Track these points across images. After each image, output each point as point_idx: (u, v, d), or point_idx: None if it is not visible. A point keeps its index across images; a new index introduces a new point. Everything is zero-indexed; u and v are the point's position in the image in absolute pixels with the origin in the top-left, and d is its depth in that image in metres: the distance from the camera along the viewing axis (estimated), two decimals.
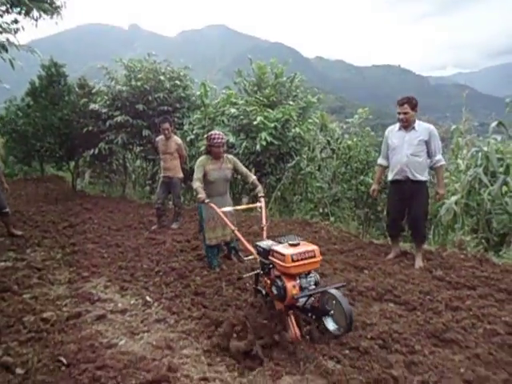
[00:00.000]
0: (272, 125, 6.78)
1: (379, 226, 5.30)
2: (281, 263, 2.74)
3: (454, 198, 5.51)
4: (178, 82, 8.93)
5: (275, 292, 2.82)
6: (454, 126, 6.43)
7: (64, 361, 2.58)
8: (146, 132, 8.49)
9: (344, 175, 5.26)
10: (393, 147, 4.29)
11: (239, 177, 6.36)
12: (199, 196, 3.90)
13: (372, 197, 4.33)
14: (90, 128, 8.66)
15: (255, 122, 6.70)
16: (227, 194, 4.45)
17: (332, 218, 5.78)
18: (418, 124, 4.13)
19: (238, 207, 3.90)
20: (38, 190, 10.39)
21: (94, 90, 9.09)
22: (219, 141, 4.16)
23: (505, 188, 5.50)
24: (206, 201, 3.81)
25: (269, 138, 6.67)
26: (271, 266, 2.91)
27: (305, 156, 7.35)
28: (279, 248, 2.82)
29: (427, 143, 4.09)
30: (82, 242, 5.49)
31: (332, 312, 2.69)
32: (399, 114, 4.13)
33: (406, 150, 4.15)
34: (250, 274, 3.39)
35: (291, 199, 7.78)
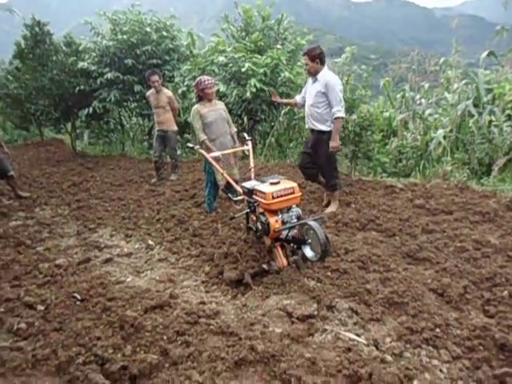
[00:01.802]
0: (261, 71, 6.75)
1: (368, 164, 5.49)
2: (263, 200, 2.98)
3: (441, 132, 5.62)
4: (164, 33, 8.72)
5: (260, 227, 3.10)
6: (442, 59, 6.36)
7: (78, 297, 2.92)
8: (137, 87, 8.46)
9: None
10: (304, 96, 4.33)
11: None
12: (201, 140, 4.30)
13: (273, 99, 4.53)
14: (82, 87, 8.63)
15: (243, 69, 6.67)
16: (228, 135, 4.58)
17: None
18: (322, 75, 3.99)
19: (225, 152, 4.08)
20: (39, 153, 10.55)
21: (81, 48, 8.94)
22: (210, 82, 4.35)
23: (490, 118, 5.57)
24: (196, 147, 4.08)
25: (258, 85, 6.67)
26: (256, 203, 3.16)
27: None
28: (261, 187, 3.05)
29: (326, 95, 3.97)
30: (86, 199, 5.77)
31: (310, 241, 2.96)
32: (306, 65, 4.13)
33: (308, 100, 4.17)
34: (241, 213, 3.64)
35: (287, 145, 7.91)
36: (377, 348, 2.18)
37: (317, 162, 4.27)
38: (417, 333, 2.24)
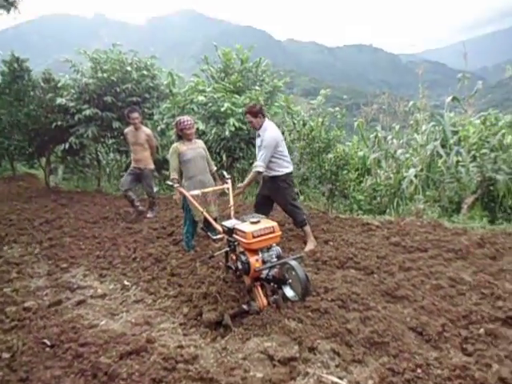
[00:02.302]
0: (240, 110, 6.95)
1: (344, 202, 5.62)
2: (243, 240, 2.96)
3: (412, 171, 5.86)
4: (145, 72, 8.91)
5: (240, 266, 3.07)
6: (411, 103, 6.75)
7: (48, 342, 2.76)
8: (116, 124, 8.50)
9: (308, 155, 5.53)
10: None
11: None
12: (171, 178, 4.30)
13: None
14: (59, 123, 8.58)
15: (223, 109, 6.86)
16: (207, 173, 4.60)
17: (302, 197, 6.06)
18: (262, 130, 4.24)
19: (205, 190, 4.06)
20: (10, 189, 10.23)
21: (59, 84, 8.97)
22: (189, 123, 4.40)
23: (457, 158, 5.88)
24: (175, 185, 4.07)
25: (237, 124, 6.85)
26: (236, 243, 3.15)
27: None
28: (241, 226, 3.04)
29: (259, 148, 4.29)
30: (59, 236, 5.58)
31: (290, 280, 2.91)
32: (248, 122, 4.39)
33: (257, 151, 4.40)
34: (220, 252, 3.61)
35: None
36: None
37: (279, 205, 4.51)
38: (398, 374, 2.23)
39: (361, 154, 7.56)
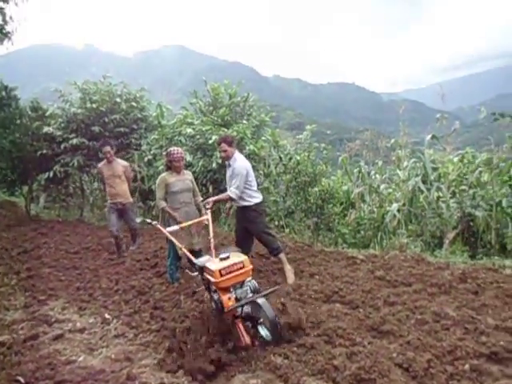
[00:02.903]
0: None
1: (329, 235, 5.68)
2: (212, 279, 2.90)
3: (395, 206, 6.00)
4: (134, 104, 9.06)
5: (214, 306, 3.00)
6: (393, 140, 7.01)
7: (22, 380, 2.64)
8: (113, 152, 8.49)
9: (294, 188, 5.63)
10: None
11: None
12: (174, 215, 4.26)
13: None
14: (44, 151, 8.55)
15: (210, 141, 6.96)
16: (193, 204, 4.60)
17: (287, 230, 6.10)
18: (233, 161, 4.33)
19: (184, 224, 3.91)
20: None
21: (47, 113, 9.00)
22: (179, 155, 4.43)
23: (438, 194, 6.06)
24: (153, 223, 3.95)
25: None
26: (208, 280, 3.05)
27: (261, 172, 7.67)
28: (209, 264, 2.97)
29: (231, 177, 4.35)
30: (37, 267, 5.42)
31: (261, 320, 2.82)
32: (220, 152, 4.47)
33: (228, 184, 4.45)
34: (202, 288, 3.51)
35: None
36: None
37: (252, 234, 4.49)
38: None
39: (345, 188, 7.72)
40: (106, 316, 3.76)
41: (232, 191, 4.24)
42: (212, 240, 3.68)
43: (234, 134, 7.18)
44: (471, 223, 5.62)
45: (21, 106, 9.29)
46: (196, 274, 3.48)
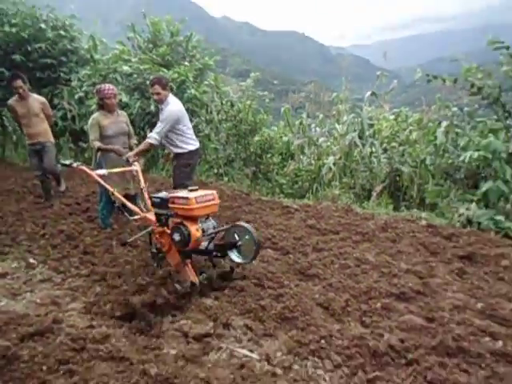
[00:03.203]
0: None
1: (267, 185, 5.80)
2: (185, 207, 2.80)
3: (331, 159, 6.23)
4: (62, 33, 8.11)
5: (177, 239, 2.85)
6: (335, 94, 7.10)
7: None
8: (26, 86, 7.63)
9: (235, 136, 5.57)
10: None
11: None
12: (116, 149, 4.05)
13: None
14: None
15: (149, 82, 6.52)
16: (127, 149, 4.33)
17: (226, 178, 6.11)
18: (166, 104, 4.12)
19: (113, 170, 3.61)
20: None
21: None
22: (110, 91, 4.13)
23: (371, 149, 6.38)
24: (74, 164, 3.55)
25: None
26: (168, 215, 2.96)
27: (202, 118, 7.44)
28: (181, 193, 2.88)
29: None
30: None
31: (240, 243, 2.89)
32: (152, 94, 4.21)
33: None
34: (141, 234, 3.46)
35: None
36: (268, 362, 2.28)
37: (172, 179, 4.43)
38: (305, 345, 2.40)
39: (285, 139, 7.80)
40: (31, 261, 3.58)
41: (151, 137, 4.04)
42: (145, 189, 3.54)
43: (175, 76, 6.80)
44: (398, 178, 6.05)
45: None
46: (136, 217, 3.35)
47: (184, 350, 2.33)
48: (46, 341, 2.36)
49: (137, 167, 3.75)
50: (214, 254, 2.98)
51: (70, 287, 3.14)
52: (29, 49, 7.66)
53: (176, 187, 4.04)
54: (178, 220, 2.90)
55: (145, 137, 7.42)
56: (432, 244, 4.01)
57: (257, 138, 5.01)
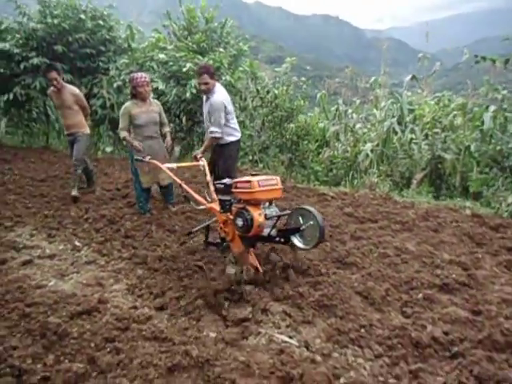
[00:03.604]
0: None
1: (302, 172, 5.73)
2: (247, 190, 2.76)
3: (369, 146, 6.05)
4: (101, 22, 8.29)
5: (240, 224, 2.76)
6: (373, 79, 6.87)
7: None
8: (68, 76, 7.90)
9: (270, 123, 5.51)
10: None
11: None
12: (134, 146, 4.04)
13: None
14: (2, 70, 7.84)
15: (185, 69, 6.58)
16: (159, 138, 4.39)
17: (261, 165, 6.09)
18: (212, 93, 3.99)
19: (181, 165, 3.60)
20: None
21: (2, 27, 8.11)
22: (142, 80, 4.11)
23: (411, 136, 6.14)
24: (147, 158, 3.66)
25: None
26: (232, 201, 2.95)
27: (237, 105, 7.42)
28: (244, 178, 2.86)
29: (209, 114, 4.06)
30: (2, 193, 5.23)
31: (303, 227, 2.76)
32: (199, 84, 4.05)
33: (205, 118, 4.22)
34: (200, 226, 3.41)
35: None
36: (307, 349, 2.27)
37: (215, 172, 4.22)
38: (344, 333, 2.38)
39: (321, 125, 7.66)
40: (77, 243, 3.75)
41: (213, 131, 3.97)
42: (210, 181, 3.45)
43: (211, 62, 6.80)
44: (439, 165, 5.80)
45: None
46: (201, 207, 3.27)
47: (223, 334, 2.37)
48: (93, 319, 2.47)
49: (204, 162, 3.69)
50: (277, 240, 2.87)
51: (113, 269, 3.27)
52: (69, 39, 7.89)
53: (220, 179, 3.65)
54: (241, 205, 2.85)
55: (180, 124, 7.55)
56: (477, 234, 3.83)
57: (293, 125, 4.94)
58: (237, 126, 4.26)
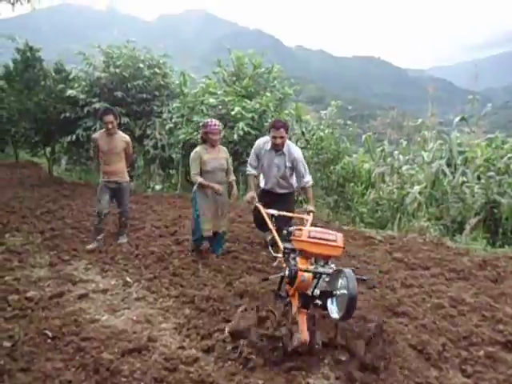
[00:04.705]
0: (249, 115, 7.00)
1: (347, 214, 5.66)
2: (297, 238, 2.65)
3: (417, 188, 5.90)
4: (157, 70, 8.98)
5: (287, 273, 2.60)
6: (420, 120, 6.81)
7: (49, 334, 2.77)
8: (124, 119, 8.53)
9: (316, 165, 5.57)
10: (263, 165, 4.36)
11: None
12: (214, 188, 4.08)
13: (249, 203, 4.15)
14: (68, 114, 8.62)
15: (233, 112, 6.90)
16: (224, 184, 4.36)
17: (305, 205, 6.08)
18: (286, 149, 4.14)
19: (283, 213, 3.68)
20: (12, 175, 10.25)
21: (70, 76, 9.02)
22: (216, 127, 4.15)
23: (463, 178, 5.93)
24: (257, 203, 3.88)
25: (246, 128, 6.89)
26: (290, 250, 2.82)
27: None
28: (301, 227, 2.78)
29: (292, 168, 4.24)
30: (61, 228, 5.57)
31: (336, 292, 2.39)
32: (275, 138, 4.06)
33: (275, 172, 4.26)
34: (277, 275, 3.14)
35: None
36: None
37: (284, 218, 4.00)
38: None
39: (366, 167, 7.61)
40: (128, 279, 3.88)
41: (309, 181, 4.25)
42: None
43: (257, 106, 7.09)
44: (495, 210, 5.51)
45: (45, 67, 9.32)
46: (279, 255, 3.09)
47: (270, 381, 2.31)
48: (143, 358, 2.52)
49: (310, 217, 3.73)
50: (315, 302, 2.52)
51: (161, 307, 3.33)
52: (128, 86, 8.59)
53: (285, 224, 3.61)
54: (294, 255, 2.74)
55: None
56: None
57: (338, 167, 4.97)
58: None
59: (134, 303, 3.43)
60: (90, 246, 4.77)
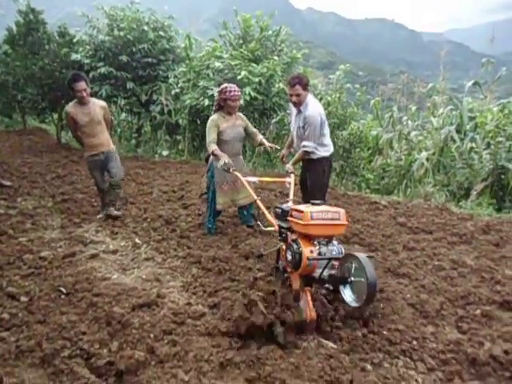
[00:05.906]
0: (256, 80, 6.88)
1: (353, 180, 5.67)
2: (299, 221, 2.44)
3: (424, 154, 5.85)
4: (162, 33, 8.78)
5: (289, 258, 2.51)
6: (430, 85, 6.64)
7: (63, 290, 2.91)
8: (130, 84, 8.46)
9: None
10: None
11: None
12: (225, 163, 3.53)
13: (282, 162, 3.97)
14: None
15: (239, 77, 6.79)
16: (241, 155, 4.18)
17: None
18: (304, 107, 3.69)
19: (264, 179, 3.55)
20: (21, 142, 10.33)
21: (75, 39, 8.86)
22: (236, 93, 3.77)
23: (472, 145, 5.85)
24: (232, 169, 3.53)
25: (253, 93, 6.80)
26: (288, 229, 2.68)
27: (289, 111, 7.50)
28: (299, 206, 2.56)
29: (304, 128, 3.76)
30: (71, 192, 5.70)
31: (351, 279, 2.22)
32: (291, 95, 3.69)
33: (295, 132, 3.92)
34: (271, 250, 3.18)
35: (274, 154, 8.04)
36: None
37: (307, 187, 4.01)
38: (395, 344, 2.35)
39: (374, 133, 7.52)
40: (137, 241, 4.01)
41: (306, 145, 3.72)
42: (291, 201, 3.21)
43: (264, 70, 6.95)
44: (502, 176, 5.47)
45: (48, 30, 9.15)
46: (270, 228, 3.05)
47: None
48: (152, 312, 2.65)
49: (291, 179, 3.55)
50: (326, 286, 2.39)
51: (169, 267, 3.46)
52: (133, 50, 8.44)
53: (311, 197, 3.19)
54: (294, 237, 2.55)
55: None
56: None
57: (345, 132, 4.92)
58: (329, 140, 3.98)
59: (143, 263, 3.56)
60: (100, 216, 4.71)
